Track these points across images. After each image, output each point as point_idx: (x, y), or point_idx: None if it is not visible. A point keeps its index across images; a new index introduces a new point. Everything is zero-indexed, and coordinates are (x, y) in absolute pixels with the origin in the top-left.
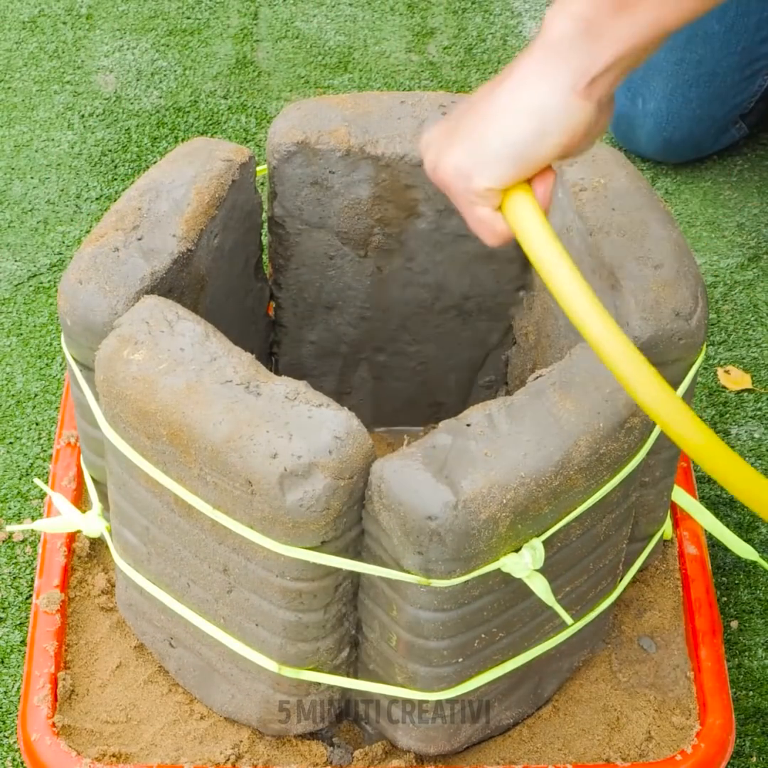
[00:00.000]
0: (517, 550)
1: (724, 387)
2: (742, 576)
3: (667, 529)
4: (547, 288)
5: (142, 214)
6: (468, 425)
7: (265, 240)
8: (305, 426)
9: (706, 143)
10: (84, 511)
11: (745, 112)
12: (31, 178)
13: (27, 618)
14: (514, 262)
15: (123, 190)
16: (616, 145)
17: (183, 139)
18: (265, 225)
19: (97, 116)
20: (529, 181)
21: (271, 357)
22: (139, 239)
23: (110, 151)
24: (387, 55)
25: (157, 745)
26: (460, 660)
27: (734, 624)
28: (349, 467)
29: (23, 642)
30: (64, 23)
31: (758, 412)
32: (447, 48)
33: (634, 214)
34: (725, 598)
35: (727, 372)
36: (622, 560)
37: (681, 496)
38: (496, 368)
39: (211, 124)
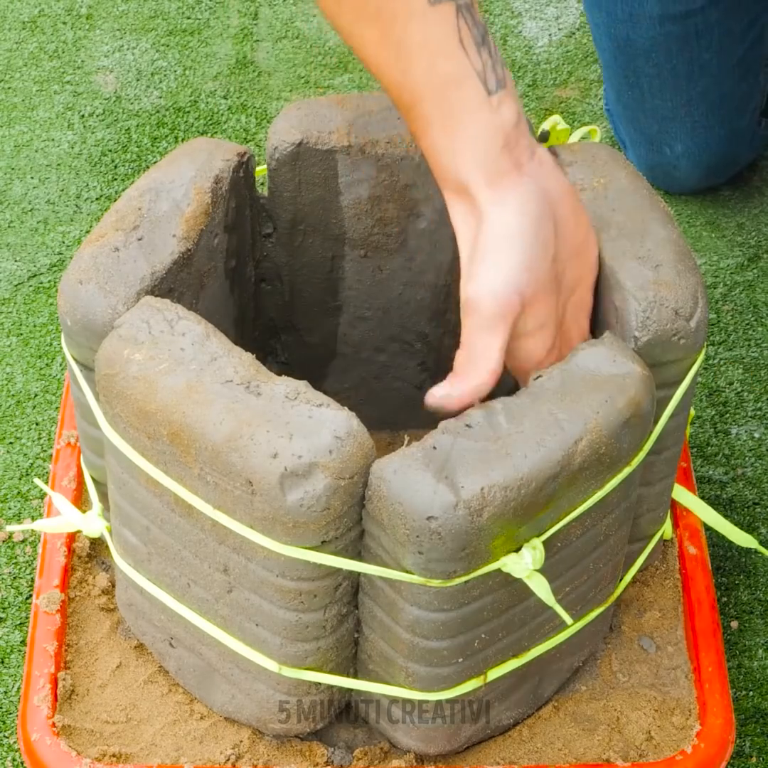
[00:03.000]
0: (517, 550)
1: (724, 387)
2: (742, 576)
3: (667, 529)
4: None
5: (142, 214)
6: (468, 425)
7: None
8: (305, 426)
9: (742, 151)
10: (84, 511)
11: (764, 107)
12: (31, 178)
13: (27, 618)
14: None
15: (123, 190)
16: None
17: (183, 139)
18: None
19: (97, 116)
20: None
21: (272, 357)
22: (139, 239)
23: (110, 151)
24: None
25: (157, 745)
26: (460, 660)
27: (734, 624)
28: (350, 467)
29: (23, 642)
30: (64, 23)
31: (758, 412)
32: None
33: (634, 214)
34: (725, 598)
35: None
36: (622, 560)
37: (681, 494)
38: None
39: (211, 124)
